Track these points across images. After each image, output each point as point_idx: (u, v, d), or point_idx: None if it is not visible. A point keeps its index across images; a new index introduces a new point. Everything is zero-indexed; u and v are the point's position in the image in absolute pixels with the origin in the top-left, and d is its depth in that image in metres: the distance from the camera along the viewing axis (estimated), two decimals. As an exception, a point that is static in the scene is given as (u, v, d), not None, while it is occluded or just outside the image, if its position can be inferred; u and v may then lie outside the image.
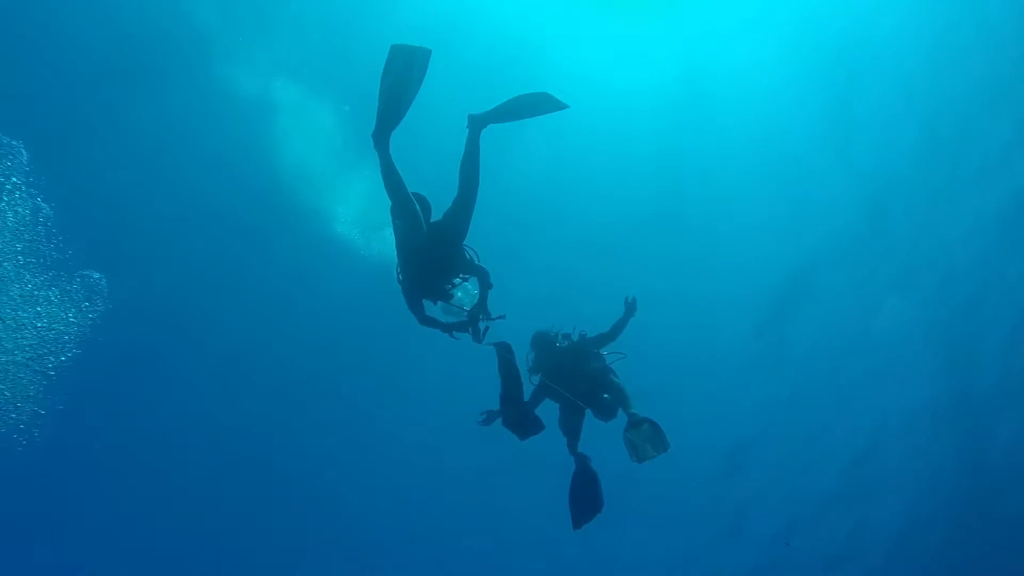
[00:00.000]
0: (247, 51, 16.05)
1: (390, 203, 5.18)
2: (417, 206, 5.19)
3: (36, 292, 10.11)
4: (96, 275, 11.51)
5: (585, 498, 6.14)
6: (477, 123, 5.29)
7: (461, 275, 5.62)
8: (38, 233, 10.33)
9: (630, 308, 6.85)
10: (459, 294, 5.82)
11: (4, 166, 10.18)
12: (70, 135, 15.96)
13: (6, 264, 9.78)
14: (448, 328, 5.64)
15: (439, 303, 5.81)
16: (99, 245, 13.72)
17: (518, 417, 5.82)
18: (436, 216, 5.50)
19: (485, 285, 5.59)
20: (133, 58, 16.10)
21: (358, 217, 14.15)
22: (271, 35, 16.19)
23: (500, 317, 5.73)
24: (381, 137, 4.94)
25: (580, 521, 6.07)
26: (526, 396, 6.02)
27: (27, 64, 15.66)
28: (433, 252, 5.28)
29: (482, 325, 5.67)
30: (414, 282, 5.43)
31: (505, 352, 5.64)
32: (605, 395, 6.23)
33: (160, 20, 15.79)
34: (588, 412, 6.42)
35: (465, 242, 5.52)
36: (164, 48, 16.07)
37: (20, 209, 10.02)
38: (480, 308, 5.58)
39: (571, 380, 6.33)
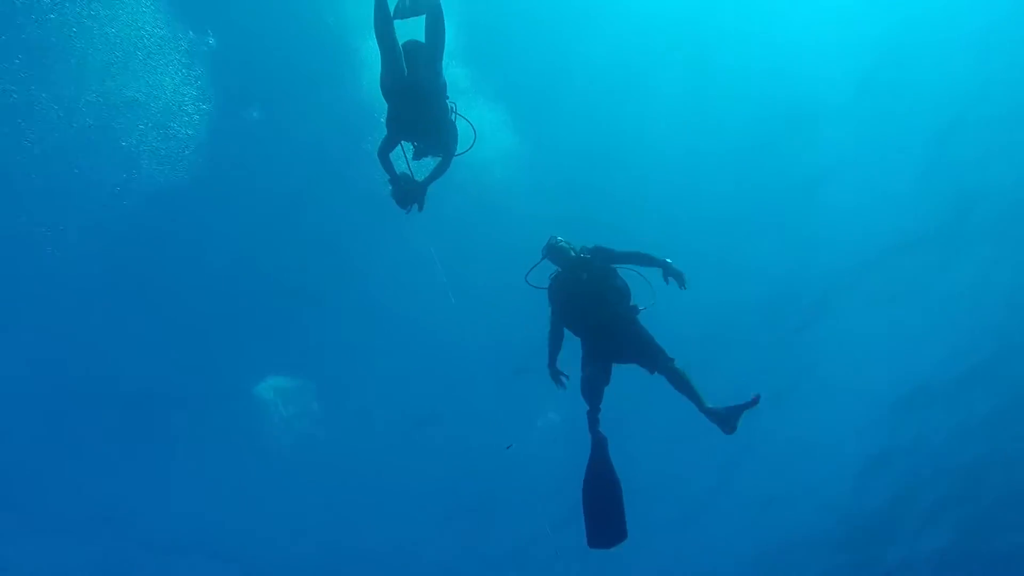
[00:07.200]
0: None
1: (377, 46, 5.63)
2: (401, 51, 5.61)
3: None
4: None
5: (600, 502, 5.24)
6: None
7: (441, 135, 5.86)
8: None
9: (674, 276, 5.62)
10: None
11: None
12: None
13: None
14: (395, 179, 5.87)
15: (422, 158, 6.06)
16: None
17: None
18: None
19: (444, 162, 5.91)
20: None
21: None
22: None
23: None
24: None
25: (596, 540, 5.21)
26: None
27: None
28: (408, 96, 5.64)
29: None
30: (394, 122, 5.76)
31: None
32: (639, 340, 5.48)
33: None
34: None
35: (450, 102, 5.90)
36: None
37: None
38: (430, 180, 5.91)
39: (584, 300, 5.63)
